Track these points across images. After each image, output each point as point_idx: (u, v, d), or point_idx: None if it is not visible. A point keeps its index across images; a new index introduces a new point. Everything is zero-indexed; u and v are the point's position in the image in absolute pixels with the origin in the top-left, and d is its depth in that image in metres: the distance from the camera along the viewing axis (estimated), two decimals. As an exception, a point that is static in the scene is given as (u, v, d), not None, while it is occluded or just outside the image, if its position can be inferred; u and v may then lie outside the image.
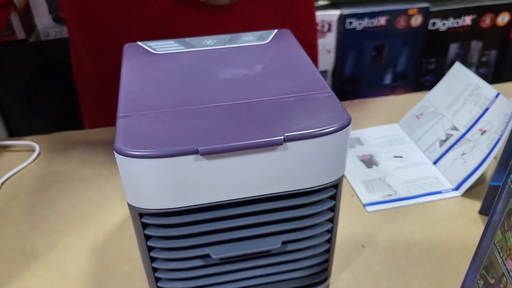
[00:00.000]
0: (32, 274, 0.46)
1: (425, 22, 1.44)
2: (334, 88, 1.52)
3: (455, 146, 0.58)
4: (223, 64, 0.41)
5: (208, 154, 0.30)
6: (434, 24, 1.45)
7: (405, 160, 0.60)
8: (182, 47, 0.44)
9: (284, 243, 0.37)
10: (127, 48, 0.44)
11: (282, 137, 0.31)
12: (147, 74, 0.39)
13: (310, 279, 0.41)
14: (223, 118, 0.33)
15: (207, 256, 0.36)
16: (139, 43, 0.45)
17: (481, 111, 0.57)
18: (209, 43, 0.44)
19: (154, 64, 0.41)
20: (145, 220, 0.34)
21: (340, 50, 1.43)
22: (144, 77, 0.39)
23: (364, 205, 0.54)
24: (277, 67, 0.40)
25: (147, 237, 0.35)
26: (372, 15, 1.39)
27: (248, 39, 0.45)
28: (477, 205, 0.53)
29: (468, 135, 0.57)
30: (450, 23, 1.47)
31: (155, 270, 0.37)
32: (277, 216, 0.35)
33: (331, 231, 0.39)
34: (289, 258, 0.38)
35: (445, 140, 0.59)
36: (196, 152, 0.30)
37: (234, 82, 0.38)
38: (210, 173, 0.31)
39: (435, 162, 0.59)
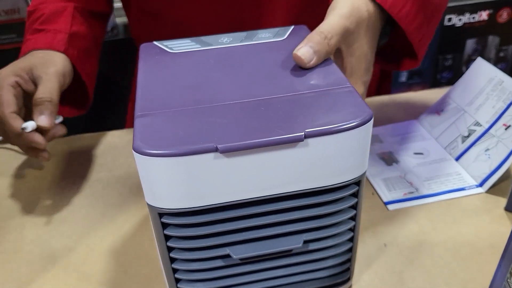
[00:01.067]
0: (52, 277, 0.46)
1: (441, 18, 1.42)
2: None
3: (478, 142, 0.56)
4: (240, 61, 0.40)
5: (228, 152, 0.30)
6: (450, 19, 1.43)
7: (426, 157, 0.59)
8: (198, 46, 0.43)
9: (306, 242, 0.36)
10: (143, 48, 0.44)
11: (303, 133, 0.30)
12: (163, 73, 0.39)
13: (333, 279, 0.40)
14: (242, 116, 0.32)
15: (227, 256, 0.35)
16: (155, 42, 0.44)
17: (504, 106, 0.56)
18: (225, 41, 0.43)
19: (170, 63, 0.41)
20: (164, 220, 0.33)
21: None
22: (160, 77, 0.38)
23: (385, 204, 0.52)
24: (295, 63, 0.39)
25: (167, 238, 0.35)
26: (387, 12, 1.37)
27: (265, 36, 0.44)
28: (502, 201, 0.52)
29: (491, 130, 0.56)
30: (466, 18, 1.44)
31: (175, 271, 0.37)
32: (299, 215, 0.34)
33: (354, 230, 0.38)
34: (311, 257, 0.38)
35: (468, 136, 0.58)
36: (215, 150, 0.30)
37: (251, 80, 0.37)
38: (229, 172, 0.31)
39: (457, 159, 0.58)
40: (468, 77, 0.62)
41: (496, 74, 0.59)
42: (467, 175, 0.56)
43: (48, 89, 0.51)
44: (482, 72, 0.61)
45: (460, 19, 1.44)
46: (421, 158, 0.59)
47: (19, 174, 0.61)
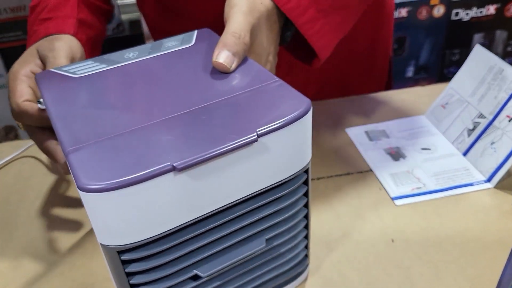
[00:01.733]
0: (60, 273, 0.46)
1: (447, 13, 1.41)
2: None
3: (484, 135, 0.56)
4: (158, 74, 0.38)
5: (186, 168, 0.28)
6: (457, 14, 1.42)
7: (433, 152, 0.59)
8: (104, 65, 0.40)
9: (268, 240, 0.36)
10: (41, 77, 0.40)
11: (255, 133, 0.29)
12: (77, 101, 0.35)
13: (295, 269, 0.41)
14: (186, 128, 0.31)
15: (195, 277, 0.34)
16: (52, 70, 0.41)
17: (506, 96, 0.55)
18: (131, 55, 0.41)
19: (80, 89, 0.37)
20: (125, 257, 0.30)
21: (361, 44, 1.41)
22: (75, 105, 0.35)
23: (393, 199, 0.52)
24: (214, 68, 0.38)
25: (128, 275, 0.32)
26: (393, 6, 1.37)
27: (171, 44, 0.43)
28: (511, 197, 0.51)
29: (495, 122, 0.55)
30: (473, 12, 1.43)
31: None
32: (259, 214, 0.34)
33: (307, 217, 0.39)
34: (274, 254, 0.38)
35: (473, 129, 0.57)
36: (172, 169, 0.27)
37: (177, 91, 0.35)
38: (189, 188, 0.29)
39: (464, 153, 0.57)
40: (468, 66, 0.62)
41: (496, 63, 0.58)
42: (475, 170, 0.55)
43: (56, 65, 0.48)
44: (481, 60, 0.60)
45: (467, 14, 1.43)
46: (429, 153, 0.59)
47: (27, 170, 0.61)
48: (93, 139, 0.30)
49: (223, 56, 0.38)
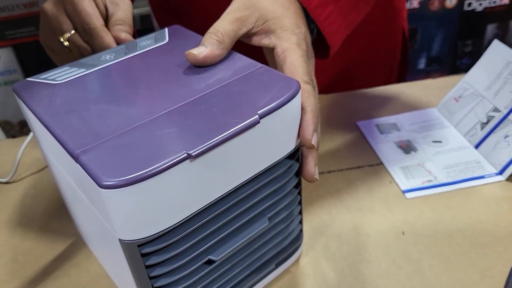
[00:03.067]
0: (76, 264, 0.47)
1: (460, 3, 1.39)
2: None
3: (498, 129, 0.56)
4: (141, 73, 0.38)
5: (201, 155, 0.29)
6: (469, 4, 1.40)
7: (444, 145, 0.59)
8: (83, 70, 0.40)
9: (269, 218, 0.38)
10: (20, 87, 0.39)
11: (257, 115, 0.31)
12: (66, 106, 0.35)
13: (292, 245, 0.43)
14: (188, 119, 0.31)
15: (208, 262, 0.35)
16: (29, 79, 0.40)
17: (524, 92, 0.55)
18: (108, 58, 0.41)
19: (64, 94, 0.37)
20: (145, 250, 0.31)
21: (372, 36, 1.40)
22: (66, 112, 0.34)
23: (403, 192, 0.52)
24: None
25: (147, 267, 0.32)
26: (405, -2, 1.36)
27: (146, 43, 0.43)
28: (523, 189, 0.51)
29: (510, 116, 0.55)
30: (486, 3, 1.41)
31: None
32: (261, 194, 0.36)
33: (300, 193, 0.41)
34: (274, 231, 0.40)
35: (487, 123, 0.57)
36: (188, 157, 0.28)
37: (167, 87, 0.36)
38: (204, 174, 0.30)
39: (476, 146, 0.57)
40: (485, 61, 0.61)
41: (515, 59, 0.58)
42: (486, 163, 0.55)
43: (126, 13, 0.49)
44: (499, 55, 0.60)
45: (480, 4, 1.41)
46: (440, 146, 0.58)
47: (42, 165, 0.63)
48: (98, 140, 0.30)
49: (193, 51, 0.38)
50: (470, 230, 0.47)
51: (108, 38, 0.46)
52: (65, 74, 0.39)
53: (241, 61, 0.38)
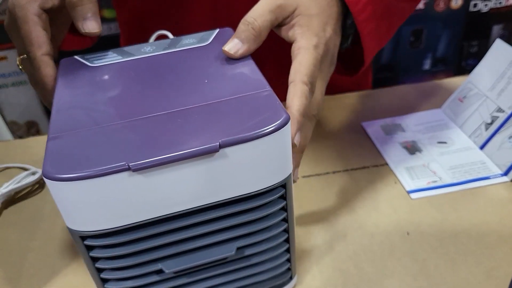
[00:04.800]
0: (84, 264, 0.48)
1: (466, 4, 1.39)
2: (371, 75, 1.48)
3: (502, 129, 0.56)
4: (161, 71, 0.39)
5: (140, 169, 0.28)
6: (475, 5, 1.40)
7: (449, 146, 0.59)
8: (119, 57, 0.41)
9: (239, 248, 0.36)
10: (63, 63, 0.41)
11: (218, 143, 0.29)
12: (80, 89, 0.37)
13: (274, 281, 0.40)
14: (157, 130, 0.31)
15: (161, 271, 0.35)
16: (76, 57, 0.42)
17: (529, 92, 0.55)
18: (148, 50, 0.42)
19: (88, 78, 0.38)
20: (88, 243, 0.32)
21: (377, 37, 1.40)
22: (76, 93, 0.37)
23: (408, 192, 0.52)
24: (216, 69, 0.38)
25: (94, 259, 0.33)
26: (410, -1, 1.35)
27: (189, 42, 0.43)
28: (528, 190, 0.51)
29: (516, 117, 0.55)
30: (492, 3, 1.41)
31: None
32: (228, 223, 0.34)
33: (288, 231, 0.38)
34: (248, 263, 0.37)
35: (491, 123, 0.57)
36: (128, 168, 0.28)
37: (171, 90, 0.36)
38: (147, 189, 0.30)
39: (481, 147, 0.57)
40: (488, 61, 0.61)
41: (519, 58, 0.58)
42: (491, 163, 0.55)
43: None
44: (502, 54, 0.60)
45: (486, 5, 1.41)
46: (445, 147, 0.59)
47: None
48: (73, 130, 0.32)
49: (229, 45, 0.39)
50: (476, 230, 0.47)
51: (45, 70, 0.41)
52: (103, 58, 0.41)
53: (252, 79, 0.36)
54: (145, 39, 0.47)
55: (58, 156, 0.30)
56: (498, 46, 0.60)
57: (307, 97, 0.38)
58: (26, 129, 1.45)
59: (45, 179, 0.29)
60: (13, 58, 1.33)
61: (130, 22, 0.72)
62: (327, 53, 0.42)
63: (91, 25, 0.41)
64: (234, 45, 0.39)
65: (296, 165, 0.39)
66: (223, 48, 0.39)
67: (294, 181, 0.37)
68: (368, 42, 0.47)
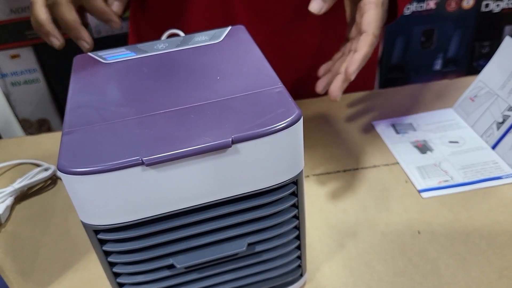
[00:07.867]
0: (95, 258, 0.48)
1: (477, 4, 1.38)
2: (381, 75, 1.48)
3: (515, 129, 0.55)
4: (174, 67, 0.39)
5: (154, 164, 0.29)
6: (487, 5, 1.39)
7: (461, 145, 0.58)
8: (133, 54, 0.42)
9: (250, 244, 0.36)
10: (77, 60, 0.43)
11: (230, 139, 0.29)
12: (94, 85, 0.38)
13: (284, 278, 0.40)
14: (170, 125, 0.32)
15: (172, 266, 0.35)
16: (90, 54, 0.43)
17: (542, 92, 0.54)
18: (161, 47, 0.42)
19: (102, 74, 0.39)
20: (101, 237, 0.32)
21: (387, 37, 1.40)
22: (90, 89, 0.37)
23: (419, 191, 0.52)
24: (229, 66, 0.38)
25: (107, 253, 0.34)
26: (421, -2, 1.35)
27: (201, 39, 0.43)
28: (541, 190, 0.51)
29: (529, 117, 0.54)
30: (504, 3, 1.40)
31: (121, 285, 0.36)
32: (239, 219, 0.34)
33: (299, 228, 0.38)
34: (258, 259, 0.37)
35: (502, 122, 0.57)
36: (141, 163, 0.29)
37: (184, 86, 0.36)
38: (159, 184, 0.30)
39: (493, 147, 0.57)
40: (498, 59, 0.61)
41: (531, 58, 0.57)
42: (503, 163, 0.55)
43: None
44: (511, 52, 0.59)
45: (497, 5, 1.40)
46: (457, 147, 0.58)
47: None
48: (87, 125, 0.33)
49: (313, 4, 0.46)
50: (487, 230, 0.47)
51: (72, 16, 0.50)
52: (117, 55, 0.42)
53: (265, 76, 0.37)
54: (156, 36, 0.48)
55: (72, 151, 0.30)
56: (508, 44, 0.60)
57: (373, 46, 0.46)
58: (37, 126, 1.47)
59: (59, 173, 0.30)
60: (25, 57, 1.34)
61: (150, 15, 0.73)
62: (384, 8, 0.49)
63: (81, 44, 0.53)
64: (318, 4, 0.46)
65: (341, 85, 0.47)
66: (308, 8, 0.46)
67: (335, 98, 0.47)
68: None
